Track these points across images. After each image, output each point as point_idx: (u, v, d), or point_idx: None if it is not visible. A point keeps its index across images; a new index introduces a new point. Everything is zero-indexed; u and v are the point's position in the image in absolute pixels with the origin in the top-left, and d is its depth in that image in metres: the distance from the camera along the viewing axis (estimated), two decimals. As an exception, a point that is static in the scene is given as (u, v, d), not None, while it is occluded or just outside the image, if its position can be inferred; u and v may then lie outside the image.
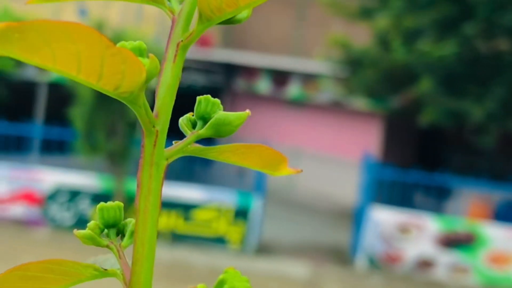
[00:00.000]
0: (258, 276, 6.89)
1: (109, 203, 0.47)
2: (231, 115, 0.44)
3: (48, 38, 0.35)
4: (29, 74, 10.48)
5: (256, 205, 7.71)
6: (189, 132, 0.45)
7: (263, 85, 12.47)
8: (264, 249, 7.82)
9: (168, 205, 7.60)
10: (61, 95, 9.75)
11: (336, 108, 11.75)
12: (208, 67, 12.59)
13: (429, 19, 8.13)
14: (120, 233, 0.47)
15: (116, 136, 7.53)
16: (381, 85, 9.03)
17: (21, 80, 10.48)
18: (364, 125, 11.55)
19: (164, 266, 6.82)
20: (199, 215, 7.67)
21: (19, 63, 10.22)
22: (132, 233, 0.46)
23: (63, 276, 0.44)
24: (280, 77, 12.24)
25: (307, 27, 12.05)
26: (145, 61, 0.40)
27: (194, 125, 0.46)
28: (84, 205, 7.62)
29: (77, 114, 7.57)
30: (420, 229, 7.57)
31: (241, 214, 7.68)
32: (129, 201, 7.59)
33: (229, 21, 0.44)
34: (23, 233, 7.33)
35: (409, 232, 7.59)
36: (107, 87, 0.39)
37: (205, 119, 0.45)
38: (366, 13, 9.06)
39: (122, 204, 0.47)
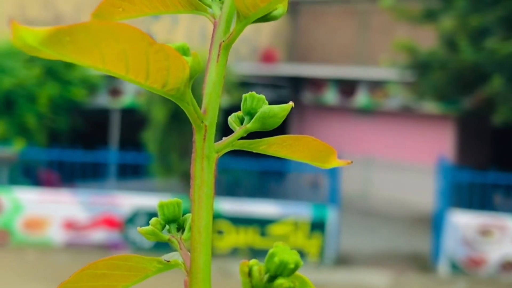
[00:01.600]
0: (338, 287, 6.85)
1: (169, 199, 0.49)
2: (276, 107, 0.47)
3: (97, 39, 0.37)
4: (102, 101, 10.75)
5: (331, 216, 7.68)
6: (237, 127, 0.47)
7: (331, 96, 12.44)
8: (343, 260, 7.77)
9: (245, 222, 7.64)
10: (133, 120, 9.96)
11: (406, 113, 11.61)
12: (275, 82, 12.65)
13: (495, 16, 7.97)
14: (180, 227, 0.50)
15: (189, 156, 7.62)
16: (451, 87, 8.88)
17: (94, 107, 10.76)
18: (436, 129, 11.38)
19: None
20: (276, 230, 7.68)
21: (91, 92, 10.49)
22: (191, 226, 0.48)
23: (130, 272, 0.47)
24: (347, 86, 12.18)
25: (371, 34, 11.97)
26: (187, 58, 0.42)
27: (242, 121, 0.48)
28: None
29: (150, 137, 7.71)
30: (503, 231, 7.39)
31: (318, 226, 7.66)
32: (206, 220, 7.67)
33: (266, 18, 0.46)
34: (105, 257, 7.48)
35: (491, 235, 7.42)
36: (155, 85, 0.41)
37: (251, 114, 0.47)
38: (430, 16, 8.95)
39: (180, 201, 0.50)
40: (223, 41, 0.45)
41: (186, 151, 7.61)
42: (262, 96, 0.48)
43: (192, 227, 0.45)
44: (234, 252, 7.67)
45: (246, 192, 9.17)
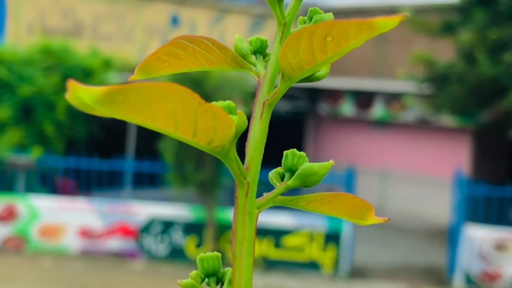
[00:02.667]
0: (353, 300, 6.82)
1: (208, 253, 0.50)
2: (316, 165, 0.48)
3: (148, 98, 0.38)
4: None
5: (347, 228, 7.65)
6: (277, 184, 0.49)
7: (347, 108, 12.43)
8: (357, 273, 7.74)
9: (259, 232, 7.64)
10: (150, 129, 9.99)
11: (423, 126, 11.57)
12: (291, 92, 12.66)
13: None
14: (219, 281, 0.50)
15: (205, 166, 7.65)
16: (469, 100, 8.85)
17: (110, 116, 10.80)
18: (453, 142, 11.33)
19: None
20: (290, 241, 7.67)
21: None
22: (230, 281, 0.49)
23: None
24: (364, 98, 12.17)
25: (389, 47, 11.96)
26: (234, 117, 0.44)
27: (282, 177, 0.49)
28: (177, 235, 7.76)
29: (166, 147, 7.73)
30: (519, 246, 7.34)
31: (333, 238, 7.64)
32: (221, 230, 7.68)
33: (309, 79, 0.48)
34: (120, 265, 7.51)
35: (507, 249, 7.36)
36: (201, 142, 0.42)
37: (292, 171, 0.49)
38: (448, 28, 8.93)
39: (220, 255, 0.51)
40: (267, 99, 0.46)
41: (202, 161, 7.63)
42: (303, 154, 0.49)
43: (232, 282, 0.47)
44: (249, 262, 7.66)
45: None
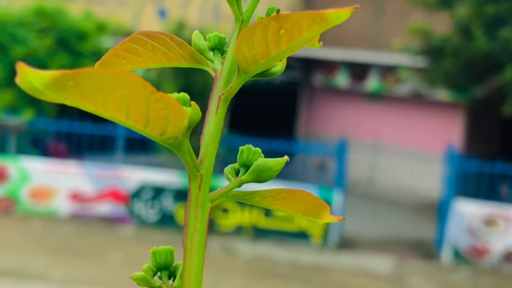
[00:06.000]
0: (340, 271, 6.87)
1: (161, 247, 0.50)
2: (270, 161, 0.48)
3: (99, 85, 0.38)
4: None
5: (337, 199, 7.68)
6: (232, 178, 0.49)
7: (341, 79, 12.40)
8: (346, 244, 7.79)
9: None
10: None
11: (416, 99, 11.57)
12: (287, 63, 12.60)
13: (511, 6, 7.90)
14: (172, 275, 0.50)
15: (196, 133, 7.62)
16: (463, 75, 8.84)
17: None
18: (446, 117, 11.34)
19: (246, 261, 6.89)
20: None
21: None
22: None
23: None
24: (358, 70, 12.14)
25: (385, 19, 11.91)
26: (187, 108, 0.44)
27: (237, 173, 0.50)
28: (167, 202, 7.77)
29: (159, 113, 7.71)
30: (508, 221, 7.39)
31: (323, 209, 7.66)
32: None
33: (264, 74, 0.49)
34: (110, 230, 7.53)
35: (496, 225, 7.41)
36: (154, 133, 0.42)
37: (247, 166, 0.49)
38: (445, 2, 8.88)
39: (173, 249, 0.50)
40: (223, 94, 0.46)
41: (194, 128, 7.62)
42: (258, 150, 0.49)
43: (183, 274, 0.46)
44: (238, 230, 7.70)
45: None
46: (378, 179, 11.94)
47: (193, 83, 7.57)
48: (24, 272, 5.84)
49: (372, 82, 12.00)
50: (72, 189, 7.80)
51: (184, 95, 0.46)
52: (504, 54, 7.96)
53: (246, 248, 7.29)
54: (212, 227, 7.75)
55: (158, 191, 7.78)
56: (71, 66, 9.88)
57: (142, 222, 7.77)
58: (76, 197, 7.80)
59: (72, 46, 9.84)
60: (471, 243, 7.45)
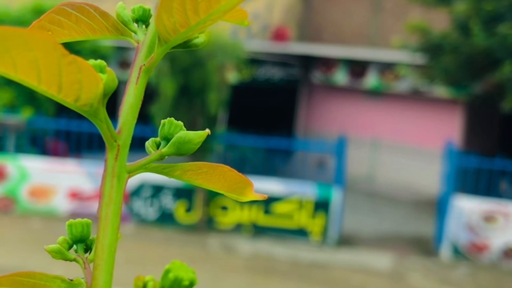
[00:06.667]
0: (340, 268, 6.87)
1: (78, 219, 0.49)
2: (191, 133, 0.47)
3: (8, 44, 0.36)
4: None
5: (336, 196, 7.68)
6: (153, 151, 0.48)
7: (340, 76, 12.39)
8: (345, 241, 7.79)
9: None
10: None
11: (415, 96, 11.57)
12: (285, 60, 12.60)
13: (509, 2, 7.90)
14: (88, 248, 0.49)
15: (196, 131, 7.62)
16: (462, 71, 8.84)
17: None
18: (445, 113, 11.34)
19: (246, 259, 6.89)
20: (280, 208, 7.70)
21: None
22: None
23: None
24: (357, 67, 12.13)
25: (384, 16, 11.90)
26: (103, 75, 0.43)
27: (158, 146, 0.49)
28: (167, 200, 7.77)
29: (158, 111, 7.70)
30: (507, 217, 7.39)
31: (322, 206, 7.67)
32: (210, 195, 7.69)
33: (186, 45, 0.48)
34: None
35: (495, 221, 7.41)
36: (67, 99, 0.41)
37: (168, 139, 0.48)
38: (444, -1, 8.88)
39: (90, 222, 0.50)
40: (144, 64, 0.46)
41: (194, 126, 7.61)
42: (180, 123, 0.48)
43: (96, 244, 0.45)
44: (238, 228, 7.70)
45: (252, 169, 9.17)
46: (378, 176, 11.94)
47: (192, 81, 7.56)
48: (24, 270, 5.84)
49: (371, 79, 12.00)
50: (71, 187, 7.80)
51: (101, 62, 0.45)
52: (502, 50, 7.95)
53: (245, 245, 7.29)
54: (211, 225, 7.76)
55: (157, 190, 7.78)
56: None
57: (141, 220, 7.77)
58: (75, 195, 7.80)
59: (70, 45, 9.80)
60: (470, 239, 7.45)
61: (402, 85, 11.56)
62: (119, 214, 0.45)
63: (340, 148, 8.09)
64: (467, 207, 7.46)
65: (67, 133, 8.78)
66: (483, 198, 7.65)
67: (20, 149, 8.50)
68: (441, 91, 10.77)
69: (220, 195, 7.33)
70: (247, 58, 9.11)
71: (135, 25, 0.50)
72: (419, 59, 9.54)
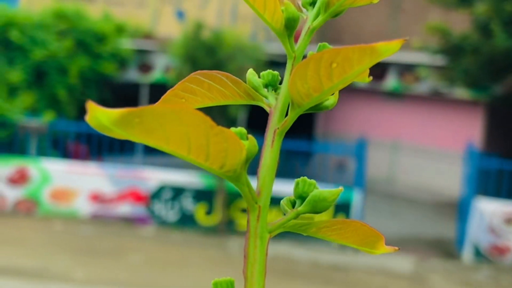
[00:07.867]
0: (361, 270, 6.86)
1: (223, 278, 0.51)
2: (326, 192, 0.50)
3: (162, 121, 0.39)
4: (131, 76, 10.80)
5: (356, 199, 7.67)
6: (289, 210, 0.51)
7: (360, 78, 12.34)
8: (366, 243, 7.76)
9: (270, 201, 7.65)
10: (162, 95, 9.99)
11: (436, 98, 11.51)
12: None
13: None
14: None
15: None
16: (482, 73, 8.78)
17: (124, 82, 10.81)
18: (466, 115, 11.27)
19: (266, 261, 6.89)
20: (300, 210, 7.69)
21: (121, 66, 10.53)
22: None
23: None
24: (377, 69, 12.10)
25: (403, 18, 11.86)
26: (245, 142, 0.46)
27: (293, 204, 0.52)
28: (187, 202, 7.80)
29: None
30: (528, 220, 7.34)
31: (342, 208, 7.66)
32: (231, 197, 7.71)
33: (318, 108, 0.50)
34: (130, 230, 7.57)
35: (516, 223, 7.36)
36: (214, 166, 0.43)
37: (302, 198, 0.51)
38: (464, 0, 8.83)
39: (233, 280, 0.52)
40: (278, 128, 0.49)
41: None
42: (313, 181, 0.51)
43: None
44: (258, 230, 7.70)
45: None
46: (398, 178, 11.90)
47: (213, 60, 7.57)
48: (46, 273, 5.89)
49: (391, 81, 11.96)
50: (92, 190, 7.85)
51: (241, 129, 0.48)
52: (524, 51, 7.90)
53: (265, 247, 7.29)
54: (232, 227, 7.77)
55: (177, 192, 7.81)
56: (91, 68, 9.94)
57: (162, 222, 7.80)
58: (96, 197, 7.85)
59: (91, 48, 9.89)
60: (492, 242, 7.40)
61: (422, 87, 11.51)
62: (264, 273, 0.49)
63: (360, 150, 8.07)
64: (489, 209, 7.41)
65: (89, 136, 8.84)
66: (505, 201, 7.60)
67: (42, 152, 8.57)
68: (461, 92, 10.72)
69: (241, 198, 7.35)
70: (266, 60, 9.13)
71: (265, 89, 0.53)
72: (439, 60, 9.50)
